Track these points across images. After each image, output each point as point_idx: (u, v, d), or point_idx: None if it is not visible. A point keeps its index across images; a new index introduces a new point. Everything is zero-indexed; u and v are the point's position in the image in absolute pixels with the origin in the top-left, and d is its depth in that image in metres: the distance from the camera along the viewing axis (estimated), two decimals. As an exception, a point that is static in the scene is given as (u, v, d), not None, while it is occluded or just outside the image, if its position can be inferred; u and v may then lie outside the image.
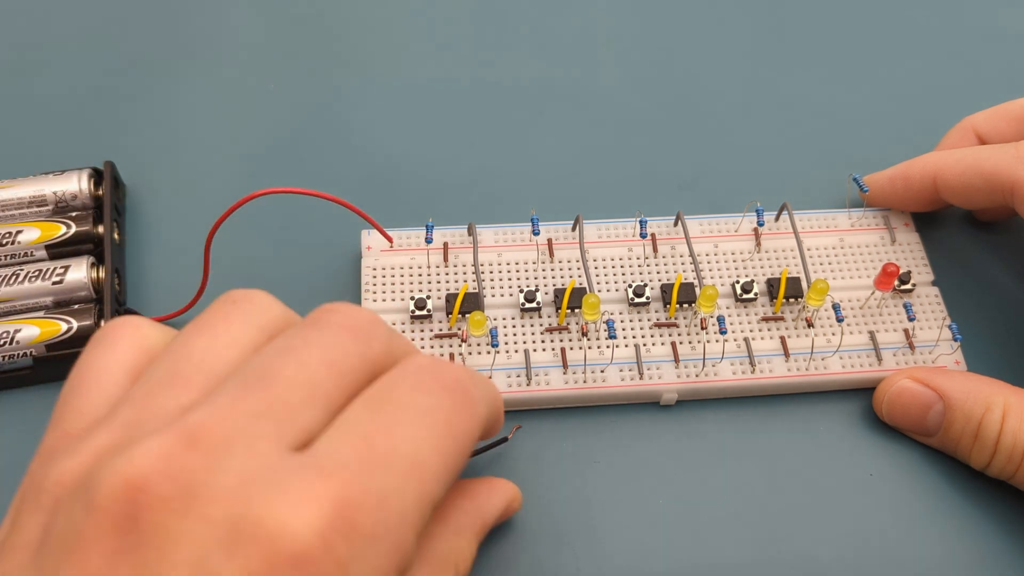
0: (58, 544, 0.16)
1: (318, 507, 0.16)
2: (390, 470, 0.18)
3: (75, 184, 0.31)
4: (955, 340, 0.29)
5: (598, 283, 0.31)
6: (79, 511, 0.16)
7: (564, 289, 0.29)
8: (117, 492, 0.16)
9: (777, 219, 0.32)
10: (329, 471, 0.17)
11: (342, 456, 0.18)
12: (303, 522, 0.16)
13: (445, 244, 0.31)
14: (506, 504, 0.25)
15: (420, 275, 0.30)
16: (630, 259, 0.31)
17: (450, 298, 0.29)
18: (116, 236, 0.31)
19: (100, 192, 0.32)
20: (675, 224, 0.32)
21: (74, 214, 0.31)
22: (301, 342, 0.19)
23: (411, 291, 0.30)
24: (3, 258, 0.30)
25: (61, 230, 0.30)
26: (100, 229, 0.31)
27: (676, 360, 0.29)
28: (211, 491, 0.16)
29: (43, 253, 0.30)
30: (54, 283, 0.29)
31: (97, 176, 0.32)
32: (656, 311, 0.30)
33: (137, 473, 0.16)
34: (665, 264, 0.31)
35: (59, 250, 0.30)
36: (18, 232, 0.30)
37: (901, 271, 0.31)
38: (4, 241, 0.30)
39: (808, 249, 0.32)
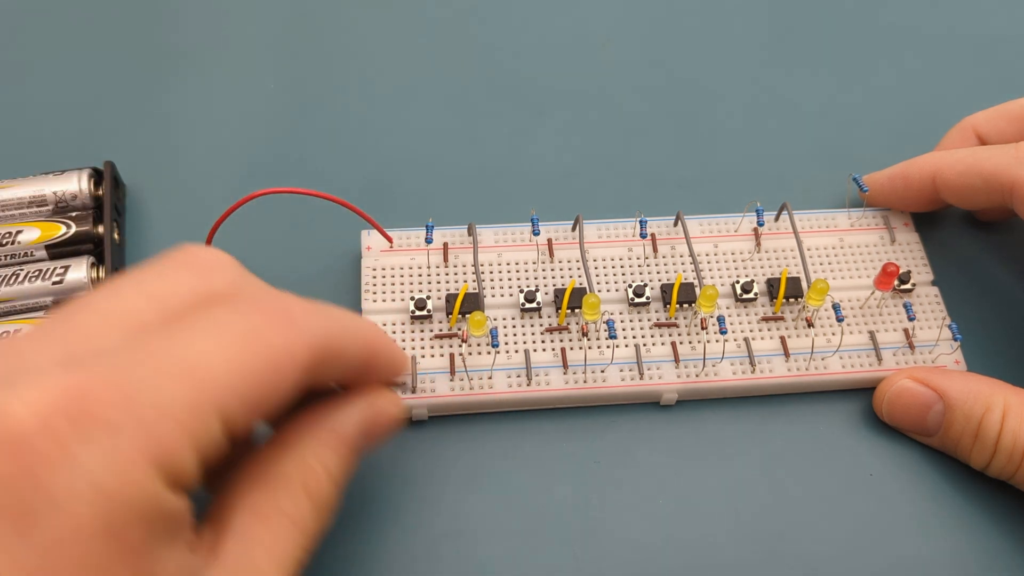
0: None
1: (46, 394, 0.16)
2: (154, 370, 0.18)
3: (75, 184, 0.31)
4: (955, 340, 0.29)
5: (598, 283, 0.31)
6: None
7: (564, 289, 0.29)
8: None
9: (777, 219, 0.32)
10: (81, 368, 0.17)
11: (106, 358, 0.18)
12: (24, 406, 0.16)
13: (445, 244, 0.31)
14: (367, 411, 0.23)
15: (420, 275, 0.30)
16: (630, 259, 0.31)
17: (450, 298, 0.29)
18: (116, 236, 0.31)
19: (100, 192, 0.32)
20: (675, 224, 0.32)
21: (74, 214, 0.31)
22: (128, 278, 0.20)
23: (411, 291, 0.30)
24: (3, 258, 0.30)
25: (61, 230, 0.30)
26: (100, 229, 0.31)
27: (676, 360, 0.29)
28: None
29: (43, 253, 0.30)
30: (54, 283, 0.29)
31: (97, 176, 0.32)
32: (656, 311, 0.30)
33: None
34: (665, 264, 0.31)
35: (59, 250, 0.30)
36: (18, 232, 0.30)
37: (901, 271, 0.31)
38: (4, 241, 0.30)
39: (808, 249, 0.32)
